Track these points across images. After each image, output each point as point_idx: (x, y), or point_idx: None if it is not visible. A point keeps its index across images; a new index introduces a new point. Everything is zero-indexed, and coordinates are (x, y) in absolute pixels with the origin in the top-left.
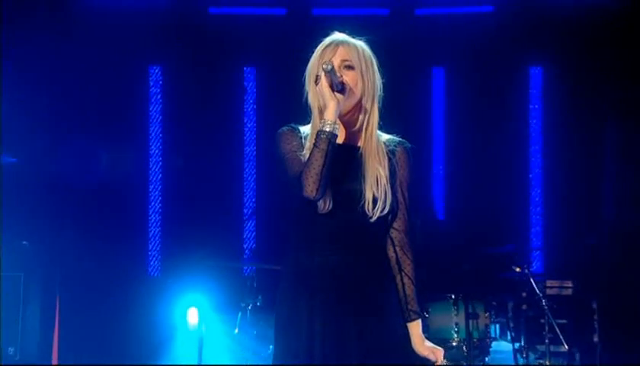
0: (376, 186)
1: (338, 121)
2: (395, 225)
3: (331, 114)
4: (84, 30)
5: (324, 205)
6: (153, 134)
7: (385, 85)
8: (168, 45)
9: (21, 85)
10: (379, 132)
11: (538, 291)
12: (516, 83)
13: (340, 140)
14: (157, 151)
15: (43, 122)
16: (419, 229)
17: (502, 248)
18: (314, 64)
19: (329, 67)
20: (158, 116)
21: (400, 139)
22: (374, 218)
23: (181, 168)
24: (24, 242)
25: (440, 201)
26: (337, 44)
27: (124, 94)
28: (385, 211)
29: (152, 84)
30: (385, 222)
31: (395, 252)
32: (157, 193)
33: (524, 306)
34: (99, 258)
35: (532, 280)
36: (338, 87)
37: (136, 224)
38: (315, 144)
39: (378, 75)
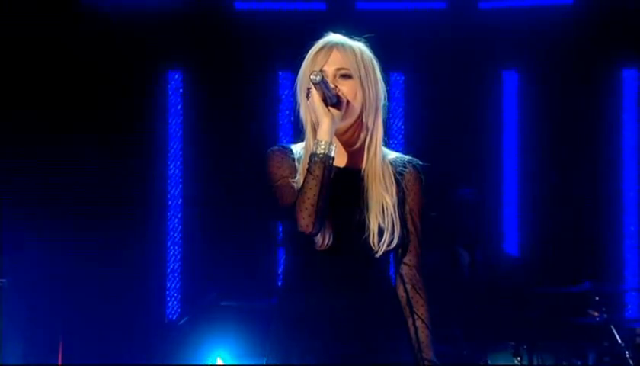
0: (382, 215)
1: (336, 140)
2: (406, 259)
3: (325, 133)
4: (91, 31)
5: (323, 240)
6: (172, 151)
7: (448, 92)
8: (190, 47)
9: (19, 92)
10: (384, 149)
11: (620, 340)
12: (606, 88)
13: (338, 163)
14: (177, 171)
15: (41, 136)
16: (480, 264)
17: (576, 287)
18: (305, 72)
19: (318, 78)
20: (178, 130)
21: (409, 157)
22: (380, 252)
23: (204, 193)
24: (2, 280)
25: (511, 230)
26: (331, 48)
27: (138, 104)
28: (393, 244)
29: (170, 92)
30: (393, 256)
31: (405, 291)
32: (177, 221)
33: (607, 359)
34: (106, 298)
35: (612, 327)
36: (332, 100)
37: (151, 257)
38: (308, 170)
39: (381, 83)
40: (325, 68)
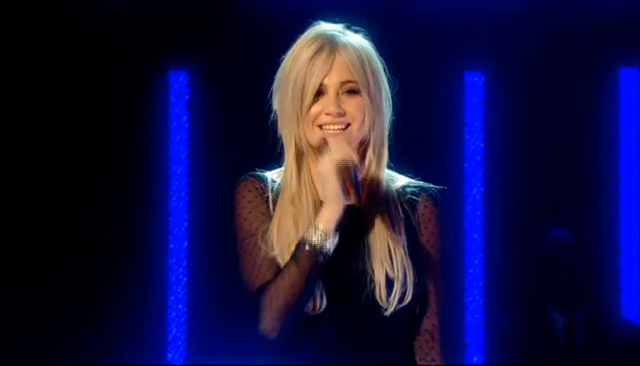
0: (390, 262)
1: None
2: (424, 321)
3: (327, 222)
4: (77, 26)
5: (314, 305)
6: (175, 179)
7: (544, 98)
8: (197, 41)
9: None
10: (389, 173)
11: None
12: None
13: None
14: (181, 205)
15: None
16: (581, 330)
17: None
18: (295, 75)
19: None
20: (183, 150)
21: (423, 183)
22: (391, 309)
23: (217, 234)
24: None
25: (631, 287)
26: (332, 51)
27: (134, 112)
28: (407, 299)
29: (173, 99)
30: (406, 315)
31: (419, 358)
32: (180, 271)
33: None
34: (97, 348)
35: None
36: (357, 191)
37: (150, 299)
38: (293, 256)
39: (388, 92)
40: (326, 81)
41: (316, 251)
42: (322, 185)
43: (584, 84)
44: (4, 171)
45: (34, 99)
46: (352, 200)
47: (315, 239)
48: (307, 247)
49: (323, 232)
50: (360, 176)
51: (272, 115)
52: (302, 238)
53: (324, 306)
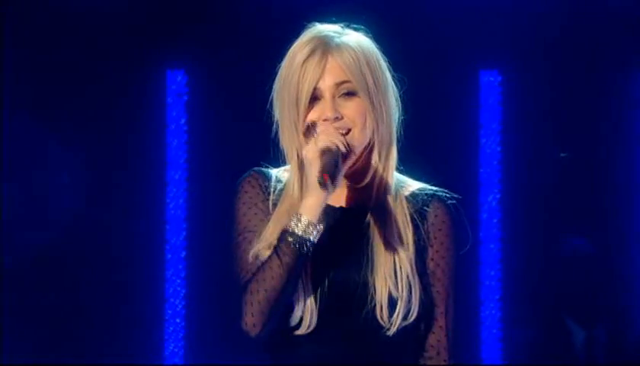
0: (394, 279)
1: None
2: (430, 337)
3: (310, 210)
4: (73, 25)
5: (304, 324)
6: (173, 181)
7: (567, 98)
8: (196, 38)
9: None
10: (399, 179)
11: None
12: None
13: (335, 202)
14: (179, 213)
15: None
16: (602, 345)
17: None
18: (286, 85)
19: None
20: (181, 154)
21: (436, 189)
22: (393, 329)
23: (217, 245)
24: None
25: None
26: (325, 53)
27: (129, 114)
28: (412, 317)
29: (170, 101)
30: (410, 333)
31: None
32: (179, 282)
33: None
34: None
35: None
36: (334, 176)
37: (146, 313)
38: (275, 249)
39: (393, 90)
40: (320, 84)
41: (299, 242)
42: (306, 172)
43: (604, 84)
44: None
45: (30, 99)
46: (326, 189)
47: (299, 230)
48: (289, 238)
49: (306, 222)
50: (364, 179)
51: (274, 127)
52: (285, 230)
53: (313, 325)
